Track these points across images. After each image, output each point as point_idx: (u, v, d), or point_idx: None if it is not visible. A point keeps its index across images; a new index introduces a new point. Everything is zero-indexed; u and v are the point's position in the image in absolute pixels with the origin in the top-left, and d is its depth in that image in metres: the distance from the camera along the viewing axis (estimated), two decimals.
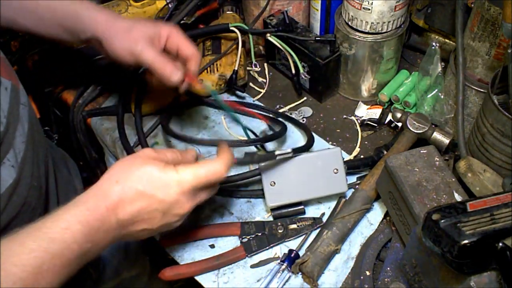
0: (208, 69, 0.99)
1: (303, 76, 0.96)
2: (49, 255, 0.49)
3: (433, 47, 0.85)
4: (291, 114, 0.97)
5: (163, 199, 0.58)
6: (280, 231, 0.78)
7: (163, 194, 0.58)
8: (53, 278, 0.50)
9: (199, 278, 0.75)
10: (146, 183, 0.57)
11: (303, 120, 0.96)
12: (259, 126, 0.93)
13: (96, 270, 0.90)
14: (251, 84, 1.04)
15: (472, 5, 0.76)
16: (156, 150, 0.63)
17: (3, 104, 0.61)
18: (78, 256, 0.52)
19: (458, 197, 0.66)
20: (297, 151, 0.78)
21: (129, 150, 0.90)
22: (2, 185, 0.61)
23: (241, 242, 0.78)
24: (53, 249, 0.50)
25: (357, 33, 0.90)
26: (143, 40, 0.71)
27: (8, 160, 0.61)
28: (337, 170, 0.78)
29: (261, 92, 1.02)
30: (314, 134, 0.93)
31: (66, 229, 0.51)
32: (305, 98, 1.00)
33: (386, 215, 0.79)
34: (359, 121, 0.95)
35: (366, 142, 0.92)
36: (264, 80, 1.04)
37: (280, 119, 0.93)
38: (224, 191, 0.84)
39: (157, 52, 0.72)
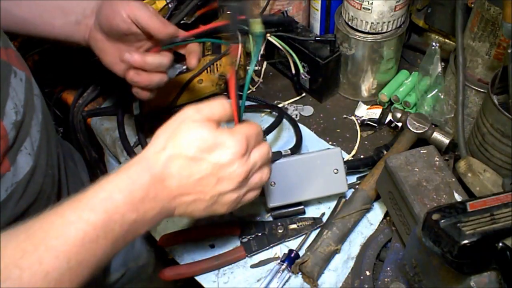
0: (208, 69, 0.99)
1: (303, 76, 0.96)
2: (90, 226, 0.47)
3: (433, 47, 0.85)
4: (286, 109, 0.97)
5: (217, 162, 0.53)
6: (280, 231, 0.78)
7: (218, 156, 0.53)
8: (98, 250, 0.48)
9: (199, 278, 0.75)
10: (197, 148, 0.52)
11: (297, 117, 0.97)
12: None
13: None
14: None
15: (472, 5, 0.76)
16: (199, 108, 0.55)
17: (20, 94, 0.63)
18: (122, 227, 0.50)
19: (458, 197, 0.66)
20: (293, 150, 0.79)
21: (129, 150, 0.90)
22: (20, 172, 0.62)
23: (241, 242, 0.78)
24: (94, 220, 0.47)
25: (357, 33, 0.90)
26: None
27: (25, 148, 0.63)
28: (337, 170, 0.78)
29: (253, 90, 1.02)
30: (314, 135, 0.93)
31: (106, 198, 0.49)
32: (305, 98, 1.00)
33: (386, 215, 0.79)
34: (359, 121, 0.95)
35: (366, 142, 0.92)
36: (260, 79, 1.04)
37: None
38: None
39: (154, 12, 0.70)
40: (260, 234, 0.78)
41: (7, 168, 0.59)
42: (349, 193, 0.80)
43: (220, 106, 0.56)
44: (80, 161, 0.94)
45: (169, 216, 0.56)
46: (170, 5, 1.04)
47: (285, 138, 0.93)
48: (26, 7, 0.74)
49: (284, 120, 0.96)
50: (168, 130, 0.54)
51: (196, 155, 0.52)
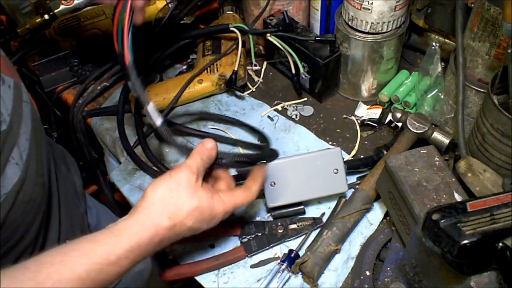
0: (208, 69, 0.99)
1: (303, 76, 0.96)
2: (94, 284, 0.52)
3: (433, 47, 0.85)
4: (286, 109, 0.97)
5: (208, 227, 0.65)
6: (280, 231, 0.78)
7: (209, 224, 0.64)
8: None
9: (199, 278, 0.75)
10: (196, 220, 0.62)
11: (297, 117, 0.97)
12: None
13: None
14: (247, 82, 1.04)
15: (472, 5, 0.76)
16: (189, 166, 0.63)
17: (7, 102, 0.61)
18: (120, 276, 0.56)
19: (458, 197, 0.66)
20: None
21: (129, 150, 0.90)
22: (9, 183, 0.60)
23: (241, 242, 0.78)
24: (99, 279, 0.53)
25: (357, 33, 0.90)
26: None
27: (13, 158, 0.61)
28: (337, 170, 0.78)
29: (253, 90, 1.02)
30: (313, 135, 0.93)
31: (113, 264, 0.54)
32: (305, 98, 1.00)
33: (386, 215, 0.79)
34: (359, 121, 0.95)
35: (366, 142, 0.92)
36: (260, 79, 1.05)
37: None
38: None
39: None
40: (260, 234, 0.78)
41: None
42: (349, 193, 0.80)
43: (202, 158, 0.64)
44: (73, 164, 0.92)
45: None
46: (170, 5, 1.04)
47: (285, 138, 0.93)
48: None
49: (283, 121, 0.96)
50: (169, 196, 0.61)
51: (195, 224, 0.62)
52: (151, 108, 0.65)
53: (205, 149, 0.65)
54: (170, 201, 0.60)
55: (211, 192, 0.64)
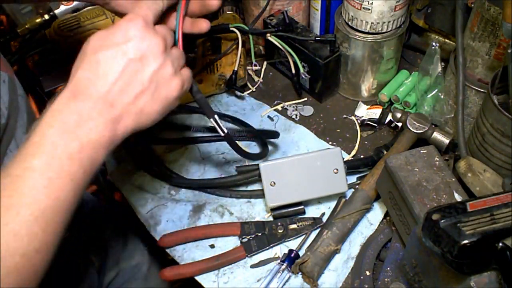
0: (208, 69, 0.99)
1: (303, 76, 0.96)
2: (36, 172, 0.45)
3: (433, 47, 0.85)
4: (286, 109, 0.97)
5: (127, 43, 0.50)
6: (280, 231, 0.78)
7: (124, 38, 0.50)
8: (57, 192, 0.46)
9: (199, 278, 0.75)
10: (102, 45, 0.50)
11: (297, 117, 0.97)
12: None
13: (99, 258, 0.90)
14: (247, 82, 1.04)
15: (472, 5, 0.76)
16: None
17: (3, 96, 0.61)
18: (71, 159, 0.47)
19: (458, 197, 0.66)
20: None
21: (129, 149, 0.90)
22: None
23: (241, 242, 0.78)
24: (38, 164, 0.45)
25: (357, 33, 0.90)
26: None
27: (10, 151, 0.62)
28: (337, 170, 0.78)
29: (253, 90, 1.02)
30: (313, 135, 0.93)
31: (40, 139, 0.47)
32: (305, 98, 1.00)
33: (386, 215, 0.79)
34: (359, 121, 0.95)
35: (366, 142, 0.92)
36: (260, 79, 1.05)
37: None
38: (224, 191, 0.84)
39: None
40: (260, 234, 0.78)
41: None
42: (349, 193, 0.80)
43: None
44: None
45: (125, 131, 0.52)
46: None
47: (285, 138, 0.93)
48: None
49: (283, 121, 0.96)
50: (78, 56, 0.52)
51: (105, 52, 0.49)
52: (216, 119, 0.66)
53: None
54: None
55: None
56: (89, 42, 0.51)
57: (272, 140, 0.91)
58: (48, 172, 0.46)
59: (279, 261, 0.75)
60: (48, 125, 0.47)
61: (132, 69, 0.50)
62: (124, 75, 0.50)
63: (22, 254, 0.44)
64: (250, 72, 1.06)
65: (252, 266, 0.76)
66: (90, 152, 0.49)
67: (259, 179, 0.79)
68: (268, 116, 0.97)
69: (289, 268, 0.73)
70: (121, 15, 0.63)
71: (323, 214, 0.80)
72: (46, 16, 1.05)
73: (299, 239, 0.78)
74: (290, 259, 0.74)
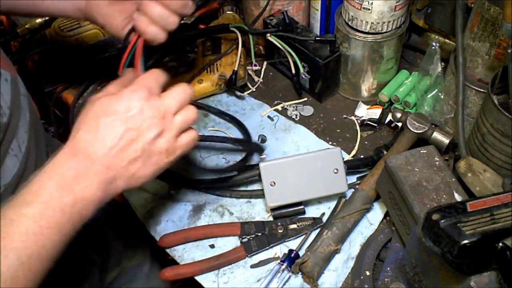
0: (208, 69, 0.99)
1: (303, 76, 0.96)
2: (29, 219, 0.48)
3: (433, 47, 0.85)
4: (286, 109, 0.97)
5: (127, 113, 0.54)
6: (280, 231, 0.78)
7: (125, 108, 0.54)
8: (45, 241, 0.49)
9: (199, 278, 0.75)
10: (103, 111, 0.54)
11: (297, 117, 0.96)
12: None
13: (101, 257, 0.91)
14: (247, 82, 1.04)
15: (472, 5, 0.76)
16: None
17: (5, 95, 0.62)
18: (63, 212, 0.50)
19: (458, 197, 0.66)
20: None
21: None
22: (8, 174, 0.61)
23: (241, 242, 0.78)
24: (32, 212, 0.48)
25: (357, 33, 0.90)
26: None
27: (12, 150, 0.62)
28: (337, 170, 0.78)
29: (253, 90, 1.02)
30: (313, 135, 0.93)
31: (39, 189, 0.50)
32: (305, 98, 1.00)
33: (386, 215, 0.79)
34: (359, 121, 0.95)
35: (366, 142, 0.92)
36: (260, 79, 1.05)
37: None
38: (224, 191, 0.84)
39: None
40: (260, 234, 0.78)
41: None
42: (349, 193, 0.80)
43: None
44: None
45: (116, 191, 0.56)
46: None
47: (285, 138, 0.93)
48: None
49: (283, 121, 0.96)
50: (80, 117, 0.55)
51: (105, 118, 0.54)
52: None
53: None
54: (80, 117, 0.56)
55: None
56: (92, 106, 0.55)
57: (272, 140, 0.91)
58: (40, 221, 0.49)
59: (279, 261, 0.75)
60: (48, 177, 0.51)
61: (128, 137, 0.54)
62: (120, 142, 0.54)
63: None
64: (250, 72, 1.05)
65: (252, 266, 0.76)
66: (81, 208, 0.52)
67: (259, 179, 0.79)
68: (268, 116, 0.97)
69: (289, 268, 0.73)
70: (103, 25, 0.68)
71: (323, 214, 0.80)
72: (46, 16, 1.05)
73: (299, 239, 0.78)
74: (290, 259, 0.74)
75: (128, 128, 0.54)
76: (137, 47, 0.65)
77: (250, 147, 0.83)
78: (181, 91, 0.59)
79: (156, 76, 0.59)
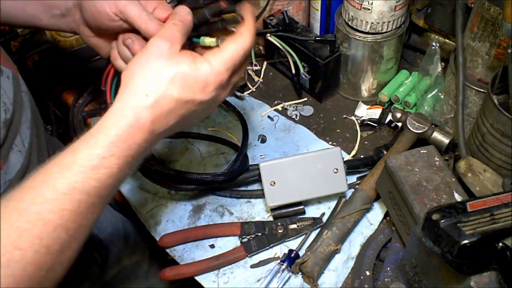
0: None
1: (303, 76, 0.96)
2: (84, 195, 0.47)
3: (433, 47, 0.85)
4: (286, 109, 0.97)
5: (202, 99, 0.53)
6: (280, 231, 0.78)
7: (202, 95, 0.53)
8: (92, 214, 0.49)
9: (199, 278, 0.75)
10: (181, 88, 0.52)
11: (297, 117, 0.96)
12: None
13: (101, 255, 0.91)
14: (247, 82, 1.04)
15: (472, 5, 0.76)
16: (165, 36, 0.53)
17: (8, 92, 0.62)
18: (115, 187, 0.51)
19: (458, 197, 0.66)
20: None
21: None
22: (12, 170, 0.62)
23: (241, 242, 0.78)
24: (88, 188, 0.47)
25: (357, 33, 0.90)
26: None
27: (16, 146, 0.63)
28: (337, 170, 0.78)
29: (253, 90, 1.02)
30: (313, 135, 0.93)
31: (98, 166, 0.48)
32: (305, 98, 1.00)
33: (386, 215, 0.79)
34: (359, 121, 0.95)
35: (366, 142, 0.92)
36: (260, 79, 1.04)
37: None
38: (224, 191, 0.84)
39: (142, 8, 0.61)
40: (260, 234, 0.78)
41: None
42: (349, 193, 0.80)
43: (178, 25, 0.55)
44: None
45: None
46: (170, 5, 1.04)
47: (285, 138, 0.93)
48: (8, 2, 0.69)
49: (283, 121, 0.96)
50: (147, 70, 0.52)
51: (182, 95, 0.52)
52: None
53: (177, 14, 0.57)
54: (143, 77, 0.51)
55: (193, 55, 0.53)
56: (175, 83, 0.52)
57: (272, 140, 0.91)
58: (92, 198, 0.48)
59: (279, 261, 0.75)
60: (109, 152, 0.49)
61: (191, 116, 0.55)
62: (184, 117, 0.54)
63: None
64: (250, 72, 1.05)
65: (252, 266, 0.76)
66: (124, 175, 0.52)
67: (259, 179, 0.79)
68: (268, 116, 0.97)
69: (289, 268, 0.73)
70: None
71: (323, 214, 0.80)
72: None
73: (299, 239, 0.78)
74: (290, 259, 0.74)
75: (196, 111, 0.54)
76: (110, 71, 0.66)
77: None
78: (245, 62, 0.59)
79: (244, 53, 0.57)
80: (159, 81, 0.51)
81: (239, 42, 0.56)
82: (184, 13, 0.56)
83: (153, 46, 0.52)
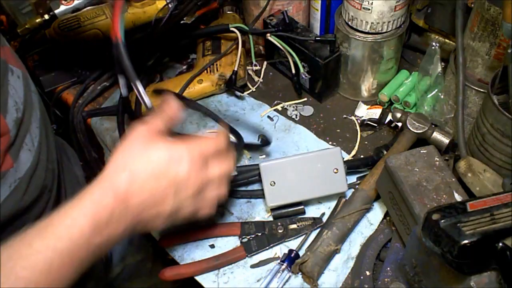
0: (208, 69, 0.99)
1: (303, 76, 0.96)
2: (56, 254, 0.49)
3: (433, 47, 0.85)
4: (286, 109, 0.97)
5: (175, 176, 0.56)
6: (280, 231, 0.78)
7: (175, 170, 0.56)
8: (65, 275, 0.50)
9: (199, 278, 0.75)
10: (156, 164, 0.55)
11: (297, 117, 0.96)
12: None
13: (105, 254, 0.91)
14: (247, 82, 1.04)
15: (472, 5, 0.76)
16: (147, 122, 0.58)
17: (19, 91, 0.64)
18: (88, 251, 0.51)
19: (458, 197, 0.66)
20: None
21: None
22: (22, 168, 0.63)
23: (241, 242, 0.78)
24: (60, 247, 0.49)
25: (357, 33, 0.90)
26: None
27: (26, 144, 0.64)
28: (337, 170, 0.78)
29: (253, 90, 1.02)
30: (313, 135, 0.93)
31: (71, 225, 0.50)
32: (305, 98, 1.00)
33: (386, 215, 0.79)
34: (359, 121, 0.95)
35: (366, 142, 0.92)
36: (260, 79, 1.04)
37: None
38: None
39: None
40: (260, 234, 0.78)
41: (10, 164, 0.60)
42: (349, 193, 0.80)
43: (164, 115, 0.59)
44: (74, 156, 0.95)
45: (130, 234, 0.56)
46: (170, 5, 1.04)
47: (285, 138, 0.93)
48: None
49: (283, 121, 0.96)
50: (125, 150, 0.56)
51: (156, 170, 0.55)
52: (140, 86, 0.62)
53: (166, 106, 0.60)
54: (123, 155, 0.55)
55: (171, 141, 0.57)
56: (149, 150, 0.56)
57: (271, 140, 0.91)
58: (66, 257, 0.50)
59: (279, 261, 0.75)
60: (83, 214, 0.52)
61: (165, 195, 0.57)
62: (156, 197, 0.56)
63: None
64: (250, 72, 1.06)
65: (252, 266, 0.76)
66: (104, 246, 0.54)
67: (259, 179, 0.79)
68: (268, 116, 0.97)
69: (289, 268, 0.73)
70: None
71: (323, 214, 0.80)
72: (46, 16, 1.05)
73: (299, 239, 0.78)
74: (290, 259, 0.74)
75: (170, 186, 0.56)
76: (115, 6, 0.63)
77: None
78: (228, 167, 0.62)
79: (218, 149, 0.61)
80: (137, 157, 0.55)
81: (211, 141, 0.61)
82: (173, 107, 0.60)
83: (134, 131, 0.57)
